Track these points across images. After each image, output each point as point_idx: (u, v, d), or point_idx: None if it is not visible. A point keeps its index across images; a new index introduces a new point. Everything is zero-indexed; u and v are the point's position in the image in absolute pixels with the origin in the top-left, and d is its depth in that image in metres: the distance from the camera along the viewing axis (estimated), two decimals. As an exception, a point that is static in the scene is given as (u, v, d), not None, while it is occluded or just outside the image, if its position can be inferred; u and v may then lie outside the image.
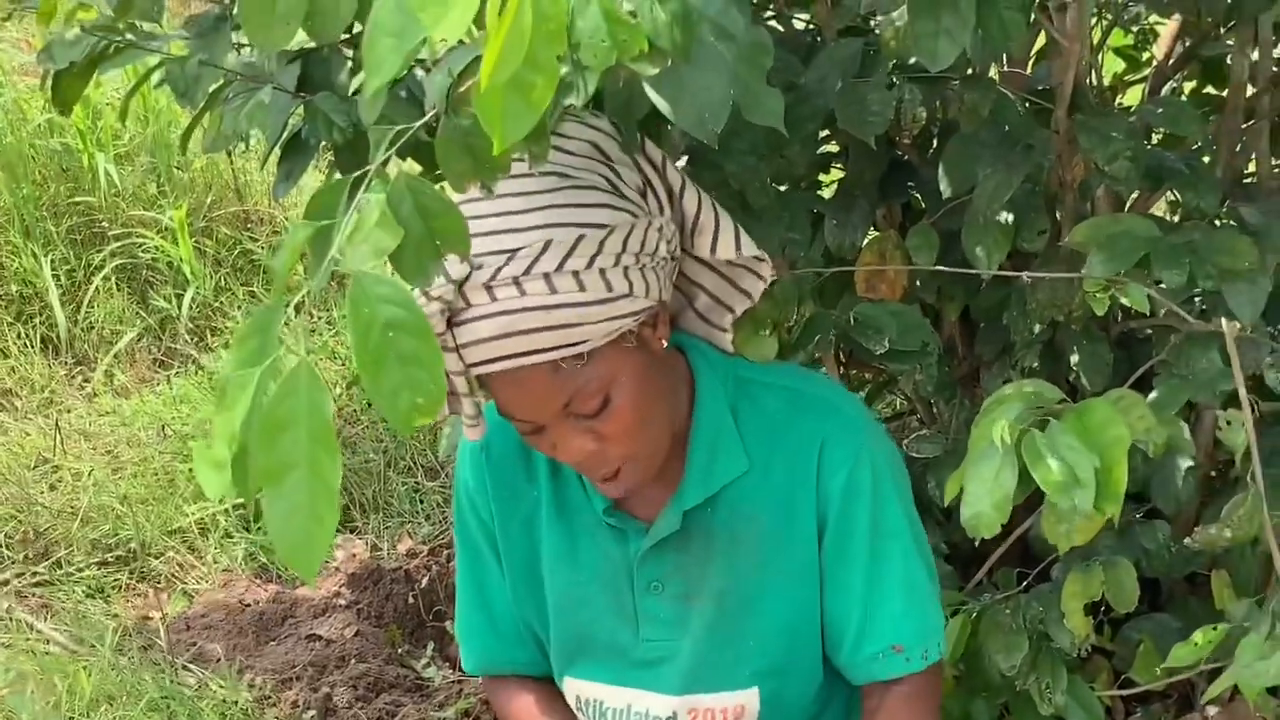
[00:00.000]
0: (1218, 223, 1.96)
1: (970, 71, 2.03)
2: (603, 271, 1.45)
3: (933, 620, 1.74)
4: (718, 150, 1.62)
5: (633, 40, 1.14)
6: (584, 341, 1.45)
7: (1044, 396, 1.56)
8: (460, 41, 1.17)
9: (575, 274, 1.44)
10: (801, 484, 1.68)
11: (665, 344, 1.58)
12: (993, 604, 2.12)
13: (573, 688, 1.83)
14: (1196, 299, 1.95)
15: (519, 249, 1.43)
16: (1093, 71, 2.21)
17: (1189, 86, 2.41)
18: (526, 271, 1.42)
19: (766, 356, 1.90)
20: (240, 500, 3.35)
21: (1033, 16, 1.93)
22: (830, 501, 1.67)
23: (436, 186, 1.28)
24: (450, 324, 1.44)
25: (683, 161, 1.69)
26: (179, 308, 4.02)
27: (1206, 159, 2.14)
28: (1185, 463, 2.06)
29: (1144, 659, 2.10)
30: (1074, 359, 2.15)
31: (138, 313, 4.02)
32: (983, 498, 1.50)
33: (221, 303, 4.07)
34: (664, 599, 1.73)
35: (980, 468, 1.51)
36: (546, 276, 1.43)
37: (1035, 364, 2.18)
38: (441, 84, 1.32)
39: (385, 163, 1.24)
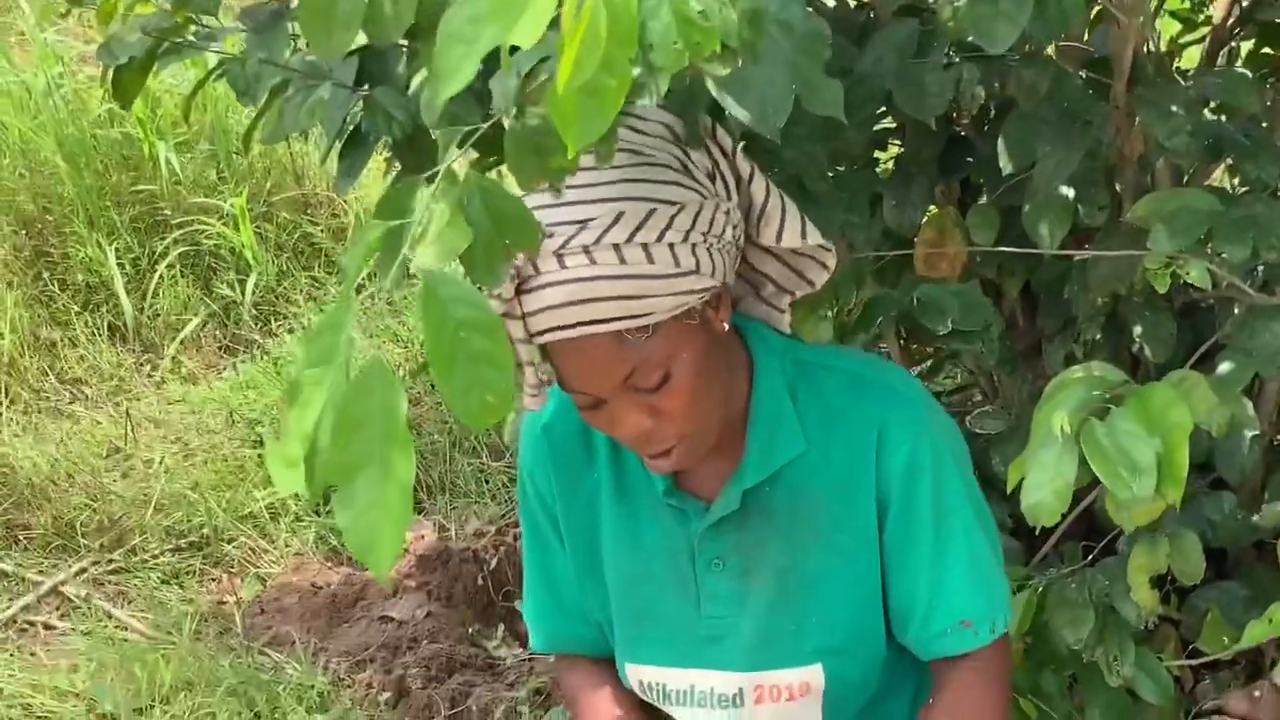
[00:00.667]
0: (1280, 193, 1.95)
1: (1028, 48, 2.03)
2: (671, 246, 1.46)
3: (999, 593, 1.75)
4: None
5: (706, 41, 1.15)
6: (649, 314, 1.47)
7: (1106, 380, 1.57)
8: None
9: (644, 246, 1.45)
10: (861, 465, 1.69)
11: (726, 326, 1.60)
12: (1059, 578, 2.13)
13: (635, 674, 1.85)
14: (1259, 269, 1.94)
15: (591, 219, 1.45)
16: (1150, 39, 2.19)
17: (1246, 48, 2.39)
18: (597, 241, 1.44)
19: (822, 339, 1.96)
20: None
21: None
22: (891, 483, 1.68)
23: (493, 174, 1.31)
24: (518, 291, 1.46)
25: (740, 147, 1.71)
26: (242, 294, 4.05)
27: (1265, 125, 2.12)
28: (1250, 433, 2.06)
29: (1211, 628, 2.11)
30: (1137, 331, 2.15)
31: (202, 299, 4.06)
32: (1043, 486, 1.52)
33: (284, 288, 4.10)
34: (725, 576, 1.75)
35: (1041, 456, 1.52)
36: (616, 247, 1.44)
37: (1098, 336, 2.18)
38: (510, 86, 1.33)
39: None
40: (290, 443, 1.15)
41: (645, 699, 1.87)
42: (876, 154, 2.29)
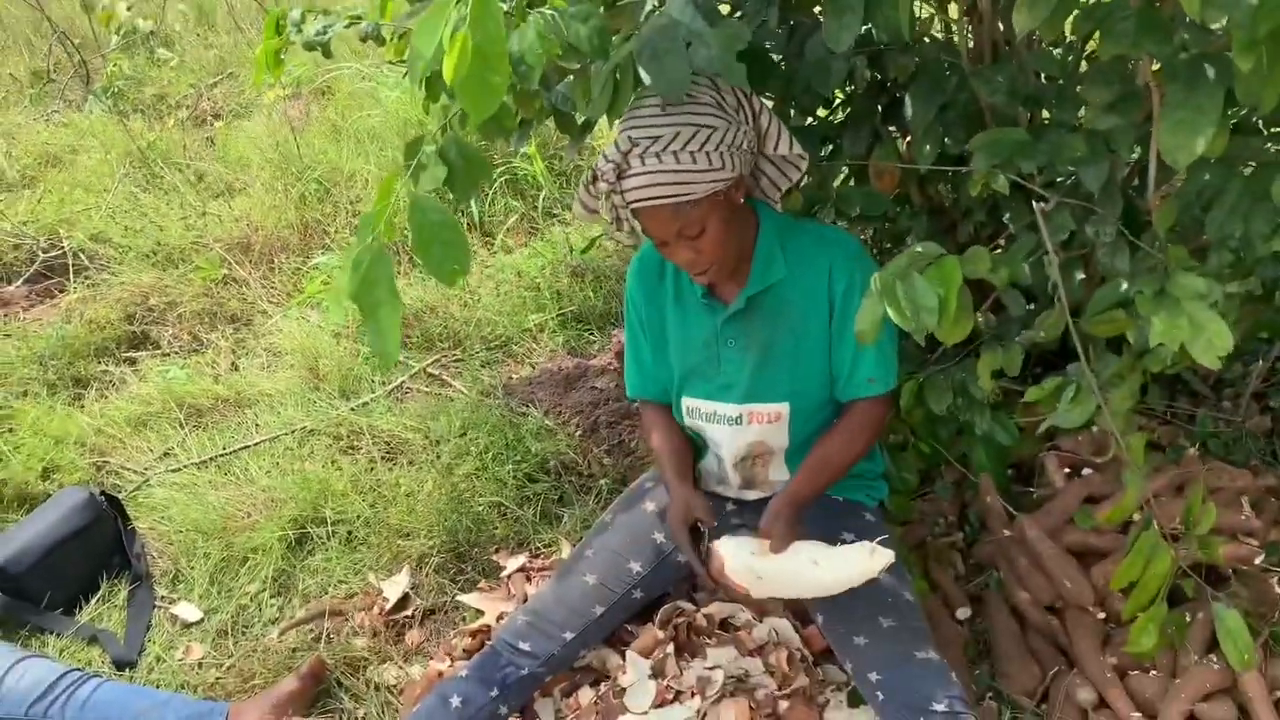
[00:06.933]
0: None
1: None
2: (707, 153, 1.54)
3: (892, 366, 1.78)
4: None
5: (551, 49, 1.11)
6: (693, 194, 1.56)
7: (927, 254, 1.45)
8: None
9: (691, 153, 1.53)
10: (818, 286, 1.74)
11: (741, 201, 1.68)
12: (932, 372, 1.99)
13: (684, 402, 1.91)
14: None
15: (660, 136, 1.53)
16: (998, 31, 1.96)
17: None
18: (664, 149, 1.53)
19: (793, 207, 2.03)
20: (562, 310, 3.40)
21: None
22: (836, 297, 1.73)
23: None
24: (619, 178, 1.56)
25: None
26: (538, 201, 4.02)
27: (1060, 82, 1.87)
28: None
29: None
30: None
31: (516, 203, 4.04)
32: (865, 318, 1.42)
33: (558, 199, 4.06)
34: (734, 349, 1.80)
35: (866, 302, 1.43)
36: (675, 153, 1.53)
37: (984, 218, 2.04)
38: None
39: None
40: (338, 291, 1.20)
41: (688, 418, 1.93)
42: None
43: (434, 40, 0.99)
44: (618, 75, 1.48)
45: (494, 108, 1.02)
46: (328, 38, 2.27)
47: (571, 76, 1.54)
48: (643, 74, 1.39)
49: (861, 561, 1.62)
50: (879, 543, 1.63)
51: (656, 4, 1.51)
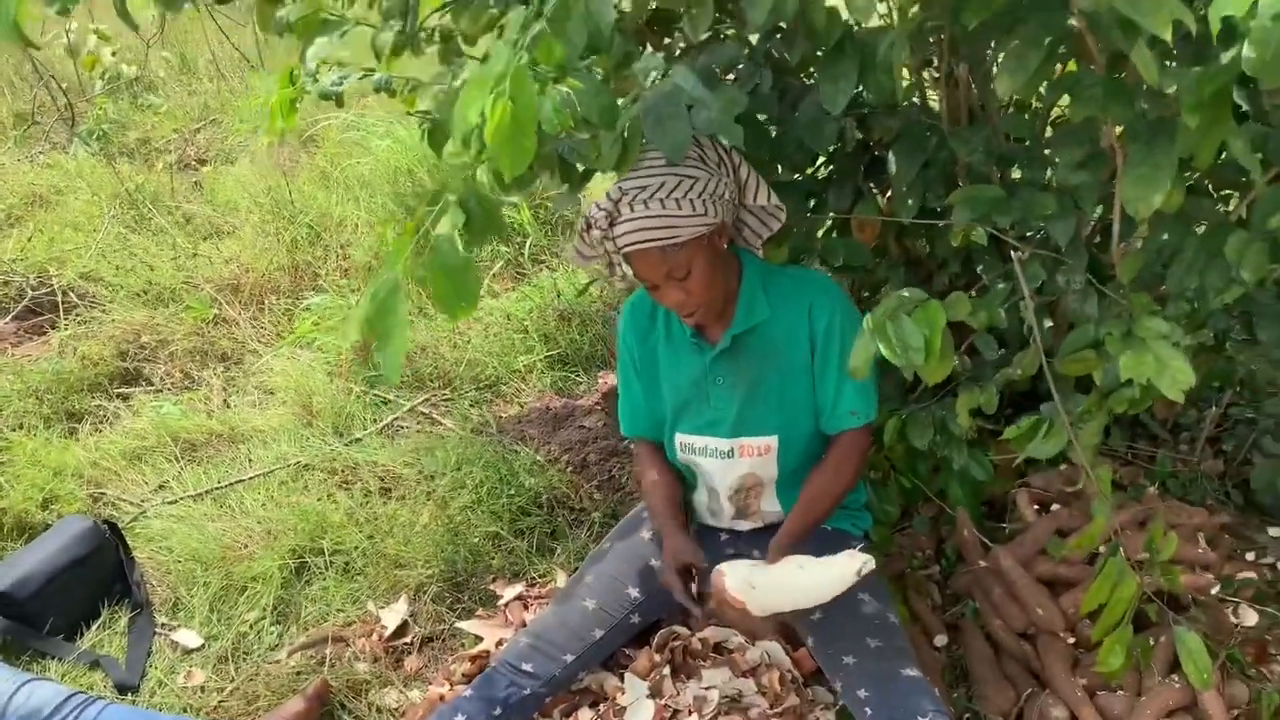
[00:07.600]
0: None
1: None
2: (691, 200, 1.66)
3: (872, 399, 1.89)
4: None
5: (565, 122, 1.23)
6: (678, 237, 1.68)
7: (913, 298, 1.57)
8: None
9: (677, 200, 1.66)
10: (799, 325, 1.86)
11: (725, 246, 1.80)
12: (915, 409, 2.11)
13: (678, 437, 2.01)
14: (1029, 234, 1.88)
15: (648, 186, 1.67)
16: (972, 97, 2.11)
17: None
18: (652, 197, 1.66)
19: (780, 259, 2.17)
20: (549, 352, 3.50)
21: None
22: (817, 335, 1.85)
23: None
24: (611, 224, 1.69)
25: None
26: (524, 248, 4.13)
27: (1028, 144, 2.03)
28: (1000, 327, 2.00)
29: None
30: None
31: (504, 249, 4.15)
32: (859, 354, 1.53)
33: (544, 246, 4.17)
34: (722, 387, 1.92)
35: (861, 339, 1.54)
36: (661, 200, 1.65)
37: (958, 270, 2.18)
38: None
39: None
40: (354, 321, 1.31)
41: (682, 453, 2.02)
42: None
43: (478, 108, 1.11)
44: (626, 136, 1.61)
45: (524, 167, 1.16)
46: (342, 89, 2.39)
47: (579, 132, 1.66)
48: (646, 131, 1.52)
49: (844, 564, 1.74)
50: (859, 549, 1.76)
51: (660, 73, 1.64)
